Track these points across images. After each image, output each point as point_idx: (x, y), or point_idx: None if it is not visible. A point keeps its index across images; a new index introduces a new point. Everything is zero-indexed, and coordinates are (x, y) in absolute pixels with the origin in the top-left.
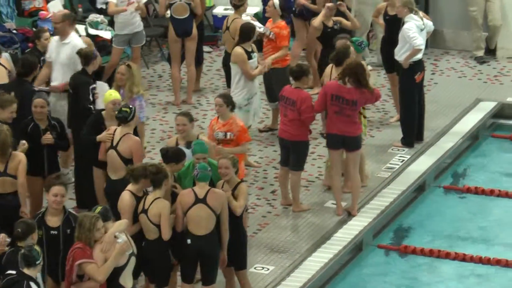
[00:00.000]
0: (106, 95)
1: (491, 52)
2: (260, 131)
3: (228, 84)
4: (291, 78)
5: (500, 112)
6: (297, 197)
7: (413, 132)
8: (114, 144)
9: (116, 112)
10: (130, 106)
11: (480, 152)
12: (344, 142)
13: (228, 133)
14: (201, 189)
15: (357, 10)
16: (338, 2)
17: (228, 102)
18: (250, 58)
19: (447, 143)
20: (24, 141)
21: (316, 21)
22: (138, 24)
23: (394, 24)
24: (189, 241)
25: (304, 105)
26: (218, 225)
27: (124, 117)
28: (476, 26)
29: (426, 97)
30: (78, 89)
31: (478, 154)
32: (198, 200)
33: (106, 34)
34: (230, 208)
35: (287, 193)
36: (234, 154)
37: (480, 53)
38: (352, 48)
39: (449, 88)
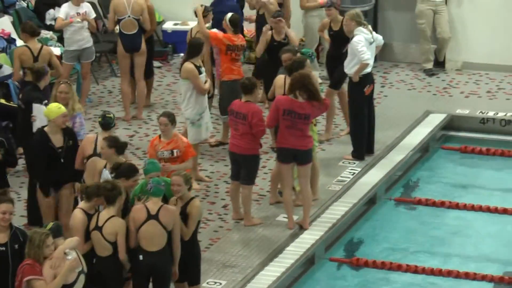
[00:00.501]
0: (53, 109)
1: (440, 64)
2: (211, 145)
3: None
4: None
5: (450, 124)
6: (248, 211)
7: (363, 145)
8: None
9: (100, 119)
10: (111, 113)
11: (431, 164)
12: (296, 156)
13: (175, 150)
14: (153, 205)
15: (306, 23)
16: (278, 19)
17: (172, 120)
18: (200, 73)
19: (397, 156)
20: None
21: (257, 51)
22: (87, 40)
23: (337, 40)
24: (141, 257)
25: (256, 118)
26: (170, 241)
27: (108, 123)
28: (424, 38)
29: (376, 109)
30: (31, 105)
31: (428, 166)
32: (150, 217)
33: (56, 50)
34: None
35: (238, 207)
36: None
37: (429, 65)
38: (308, 61)
39: (399, 101)
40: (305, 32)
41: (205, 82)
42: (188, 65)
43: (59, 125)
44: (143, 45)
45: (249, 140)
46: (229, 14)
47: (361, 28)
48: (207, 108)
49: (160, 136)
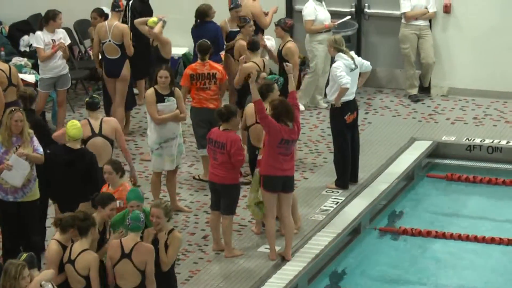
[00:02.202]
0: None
1: (425, 90)
2: (194, 178)
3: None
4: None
5: (436, 151)
6: (229, 242)
7: (347, 174)
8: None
9: (87, 99)
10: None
11: (416, 193)
12: (284, 183)
13: (118, 201)
14: (129, 241)
15: (311, 49)
16: (259, 35)
17: (117, 168)
18: (161, 101)
19: (382, 184)
20: None
21: (235, 82)
22: (63, 67)
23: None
24: None
25: (234, 148)
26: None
27: (95, 103)
28: (409, 64)
29: (360, 136)
30: (37, 128)
31: (413, 194)
32: (123, 255)
33: (30, 78)
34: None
35: (219, 238)
36: None
37: (414, 91)
38: (275, 85)
39: (384, 128)
40: (310, 58)
41: (178, 109)
42: (149, 90)
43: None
44: (124, 71)
45: (228, 169)
46: (199, 41)
47: (341, 54)
48: (176, 139)
49: (108, 185)
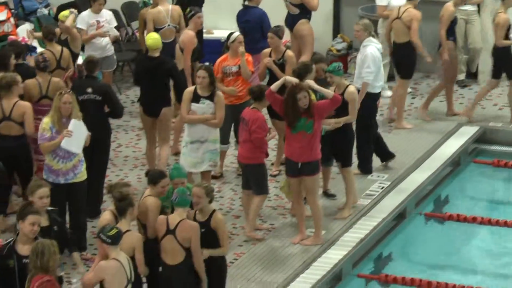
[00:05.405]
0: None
1: (472, 75)
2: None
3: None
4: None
5: (482, 137)
6: (253, 221)
7: (370, 158)
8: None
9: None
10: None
11: (462, 179)
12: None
13: None
14: (175, 217)
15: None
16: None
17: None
18: (197, 101)
19: (428, 169)
20: None
21: (259, 76)
22: (108, 48)
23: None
24: (160, 268)
25: (255, 125)
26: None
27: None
28: (456, 49)
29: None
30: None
31: (459, 180)
32: (168, 231)
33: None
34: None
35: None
36: None
37: (461, 76)
38: (314, 66)
39: (430, 113)
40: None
41: (215, 113)
42: (189, 87)
43: None
44: (178, 52)
45: (249, 148)
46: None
47: (371, 38)
48: (204, 143)
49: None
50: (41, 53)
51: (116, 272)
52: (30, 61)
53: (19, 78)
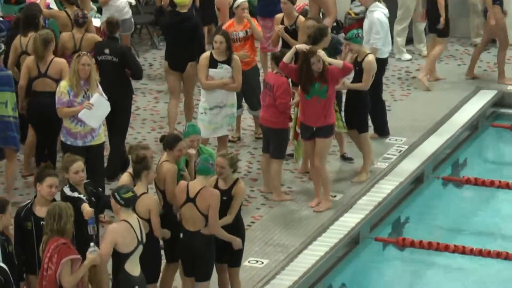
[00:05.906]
0: None
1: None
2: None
3: None
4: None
5: (501, 101)
6: (278, 185)
7: (385, 120)
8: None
9: None
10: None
11: (480, 142)
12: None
13: None
14: (196, 184)
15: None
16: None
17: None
18: (214, 66)
19: (446, 133)
20: None
21: (272, 42)
22: (126, 11)
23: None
24: (181, 234)
25: (280, 90)
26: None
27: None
28: (475, 12)
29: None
30: (125, 56)
31: (478, 144)
32: (188, 199)
33: (95, 22)
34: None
35: (269, 181)
36: None
37: (480, 40)
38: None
39: (448, 76)
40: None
41: (231, 78)
42: (205, 53)
43: None
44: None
45: (272, 112)
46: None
47: (377, 3)
48: (224, 108)
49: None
50: (81, 9)
51: (125, 233)
52: None
53: (53, 35)
